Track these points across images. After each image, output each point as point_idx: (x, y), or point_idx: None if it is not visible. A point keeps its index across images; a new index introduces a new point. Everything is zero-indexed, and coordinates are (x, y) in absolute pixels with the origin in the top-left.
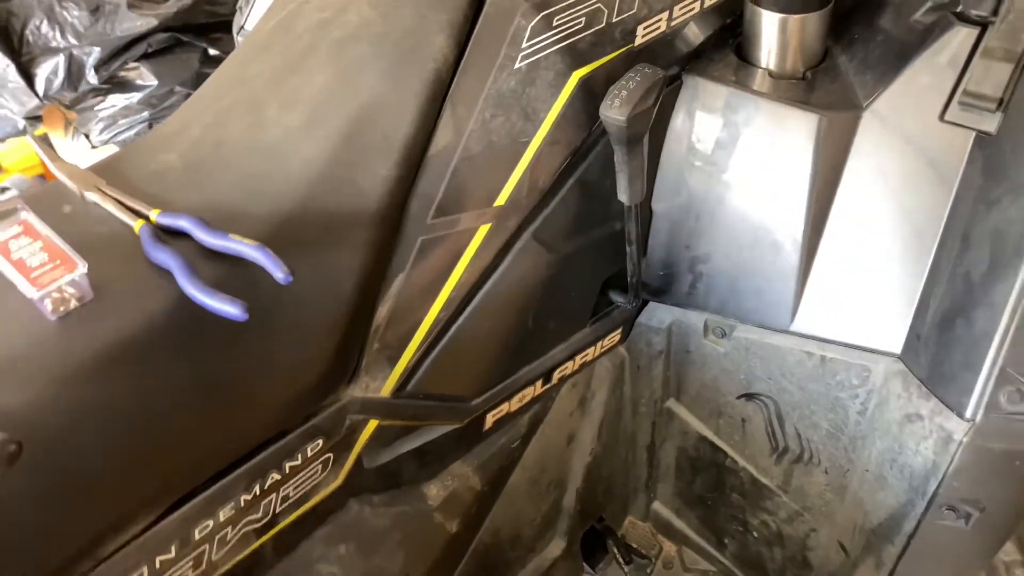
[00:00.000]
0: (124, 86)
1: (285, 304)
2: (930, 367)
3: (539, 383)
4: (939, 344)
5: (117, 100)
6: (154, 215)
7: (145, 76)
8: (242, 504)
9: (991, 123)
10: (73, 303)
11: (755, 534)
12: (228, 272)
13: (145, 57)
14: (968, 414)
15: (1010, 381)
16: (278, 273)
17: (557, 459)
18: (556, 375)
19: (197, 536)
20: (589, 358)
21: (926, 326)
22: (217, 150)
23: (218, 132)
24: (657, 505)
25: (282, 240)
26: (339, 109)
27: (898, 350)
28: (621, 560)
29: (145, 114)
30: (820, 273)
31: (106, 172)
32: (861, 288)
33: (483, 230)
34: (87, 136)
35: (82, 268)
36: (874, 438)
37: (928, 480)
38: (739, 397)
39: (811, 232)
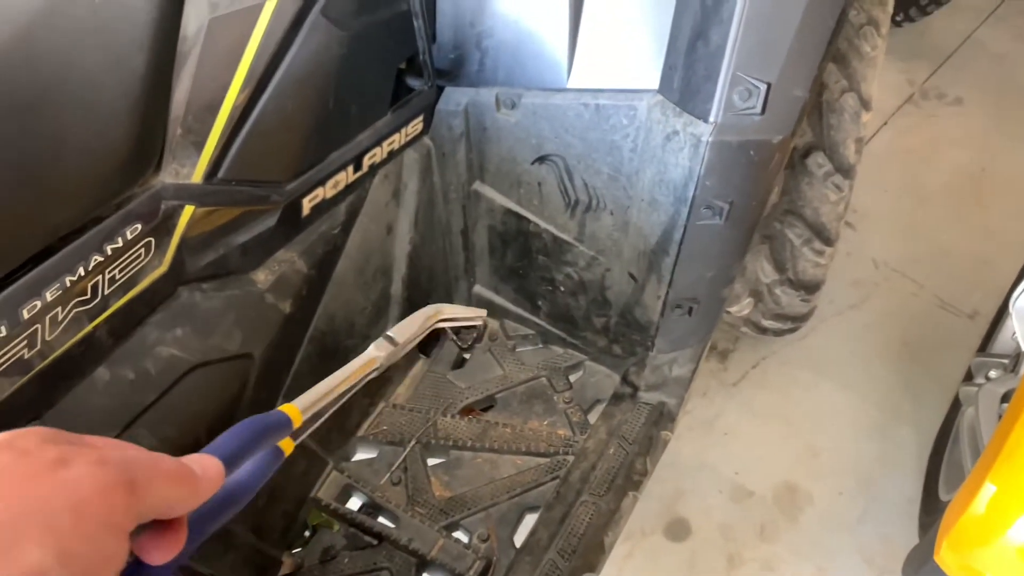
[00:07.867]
0: None
1: (75, 84)
2: (681, 90)
3: (350, 169)
4: (686, 67)
5: None
6: None
7: None
8: (68, 284)
9: None
10: None
11: (562, 288)
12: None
13: None
14: (711, 117)
15: (740, 83)
16: None
17: (379, 249)
18: (366, 162)
19: (26, 316)
20: (396, 146)
21: (675, 56)
22: None
23: None
24: (478, 288)
25: (54, 27)
26: None
27: (656, 86)
28: (452, 335)
29: None
30: (587, 29)
31: None
32: (622, 37)
33: (270, 5)
34: None
35: None
36: (644, 168)
37: (687, 186)
38: (533, 162)
39: None
